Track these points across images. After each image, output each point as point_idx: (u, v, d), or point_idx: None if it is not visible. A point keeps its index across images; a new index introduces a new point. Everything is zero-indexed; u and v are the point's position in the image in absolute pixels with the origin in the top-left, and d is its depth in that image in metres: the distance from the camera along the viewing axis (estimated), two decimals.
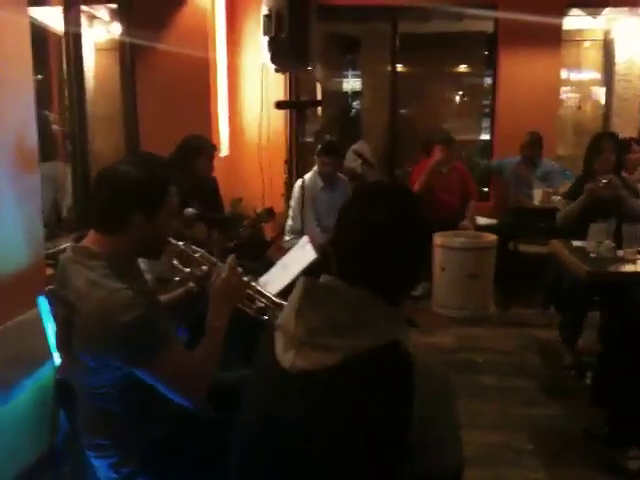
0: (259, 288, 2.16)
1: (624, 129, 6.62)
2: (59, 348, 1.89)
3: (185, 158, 3.87)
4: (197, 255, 2.20)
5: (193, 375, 1.79)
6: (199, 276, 2.18)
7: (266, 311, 2.10)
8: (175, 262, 2.22)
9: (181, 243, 2.17)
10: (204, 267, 2.18)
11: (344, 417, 1.20)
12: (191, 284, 2.21)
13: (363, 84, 8.38)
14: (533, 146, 5.86)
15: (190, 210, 3.60)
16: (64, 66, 4.23)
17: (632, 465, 2.87)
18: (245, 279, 2.06)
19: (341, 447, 1.20)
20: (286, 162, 5.72)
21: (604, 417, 3.10)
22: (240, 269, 2.04)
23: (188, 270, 2.20)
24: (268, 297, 2.11)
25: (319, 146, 4.87)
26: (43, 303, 2.43)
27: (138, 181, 1.79)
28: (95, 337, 1.68)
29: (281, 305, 2.00)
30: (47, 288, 2.47)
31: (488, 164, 6.19)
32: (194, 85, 5.17)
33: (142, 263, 2.21)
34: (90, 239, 1.83)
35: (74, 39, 4.20)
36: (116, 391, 1.78)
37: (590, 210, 3.95)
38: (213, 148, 4.13)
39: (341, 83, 8.70)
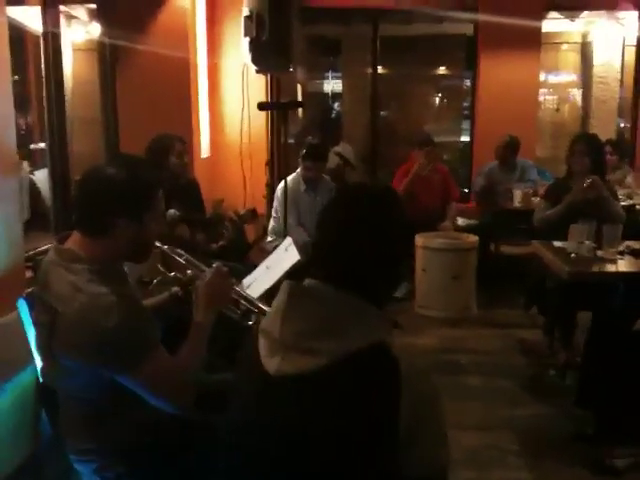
0: (244, 293, 2.14)
1: (601, 131, 6.68)
2: (39, 351, 1.85)
3: (157, 158, 3.80)
4: (182, 259, 2.17)
5: (178, 381, 1.75)
6: (184, 281, 2.15)
7: (250, 316, 2.08)
8: (159, 266, 2.18)
9: (166, 247, 2.14)
10: (189, 272, 2.15)
11: (332, 421, 1.18)
12: (175, 288, 2.18)
13: (344, 86, 8.38)
14: (510, 149, 5.89)
15: (172, 212, 3.57)
16: (42, 67, 4.17)
17: (619, 463, 2.88)
18: (231, 282, 2.04)
19: (330, 451, 1.19)
20: (267, 164, 5.70)
21: (589, 417, 3.11)
22: (226, 268, 2.02)
23: (173, 274, 2.17)
24: (253, 302, 2.09)
25: (303, 150, 4.85)
26: (23, 306, 2.38)
27: (124, 185, 1.74)
28: (76, 343, 1.65)
29: (265, 311, 1.98)
30: (27, 290, 2.43)
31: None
32: (174, 86, 5.13)
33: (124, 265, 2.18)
34: (74, 241, 1.78)
35: (53, 39, 4.14)
36: (99, 395, 1.75)
37: (571, 211, 3.98)
38: (182, 143, 3.98)
39: (322, 85, 8.71)
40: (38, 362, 2.13)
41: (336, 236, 1.30)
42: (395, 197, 1.44)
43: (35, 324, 1.89)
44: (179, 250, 2.19)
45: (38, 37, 4.18)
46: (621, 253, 3.65)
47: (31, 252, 3.55)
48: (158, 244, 2.06)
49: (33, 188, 5.46)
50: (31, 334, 2.27)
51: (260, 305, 2.07)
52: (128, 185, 1.74)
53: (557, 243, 3.84)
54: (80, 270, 1.70)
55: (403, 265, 1.38)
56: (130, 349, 1.66)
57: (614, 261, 3.59)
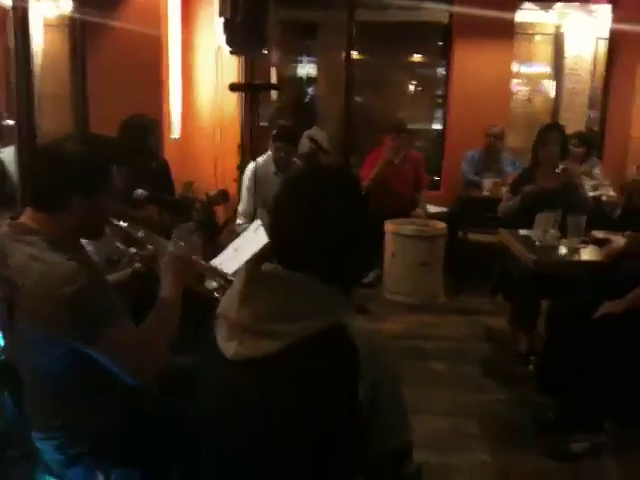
0: (207, 264, 2.13)
1: (572, 122, 6.77)
2: (2, 329, 1.83)
3: (134, 138, 3.75)
4: (140, 234, 2.15)
5: (142, 352, 1.74)
6: (144, 256, 2.14)
7: (217, 289, 2.08)
8: (118, 243, 2.17)
9: (123, 223, 2.12)
10: (149, 247, 2.14)
11: (292, 402, 1.20)
12: (137, 265, 2.17)
13: (319, 71, 8.34)
14: (501, 140, 5.99)
15: (140, 191, 3.54)
16: (11, 42, 4.08)
17: (576, 448, 2.96)
18: (194, 257, 2.04)
19: (291, 432, 1.20)
20: (239, 146, 5.67)
21: (550, 404, 3.18)
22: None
23: (133, 251, 2.16)
24: (218, 272, 2.09)
25: (274, 131, 4.84)
26: None
27: (78, 161, 1.75)
28: (39, 312, 1.64)
29: (231, 281, 1.97)
30: None
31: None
32: (146, 65, 5.07)
33: (89, 245, 2.16)
34: (27, 216, 1.78)
35: (22, 14, 4.05)
36: (63, 371, 1.75)
37: (536, 200, 4.03)
38: (159, 126, 4.01)
39: (297, 69, 8.66)
40: (1, 341, 2.10)
41: (295, 220, 1.29)
42: (357, 181, 1.44)
43: None
44: (136, 225, 2.16)
45: (7, 11, 4.09)
46: (585, 242, 3.72)
47: None
48: (115, 221, 2.05)
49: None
50: None
51: (226, 275, 2.07)
52: (81, 161, 1.75)
53: (523, 231, 3.90)
54: (35, 241, 1.71)
55: (366, 248, 1.38)
56: (91, 315, 1.65)
57: (578, 250, 3.66)
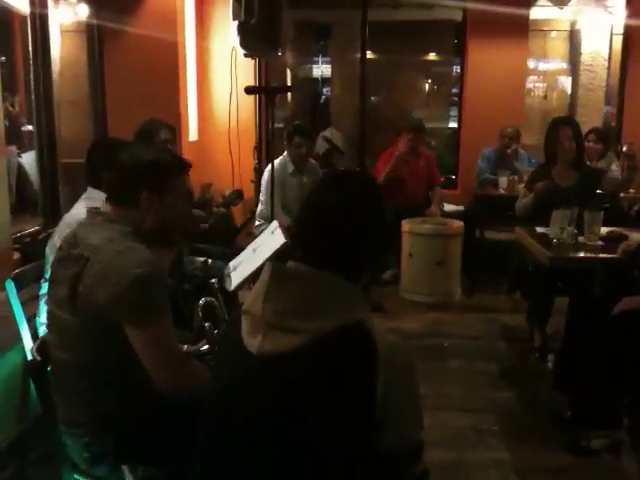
0: None
1: (589, 119, 6.75)
2: (61, 308, 1.86)
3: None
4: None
5: (177, 359, 1.83)
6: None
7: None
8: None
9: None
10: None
11: (312, 397, 1.22)
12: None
13: (333, 71, 8.37)
14: (516, 139, 5.97)
15: None
16: (30, 48, 4.15)
17: (595, 444, 2.95)
18: None
19: (310, 427, 1.22)
20: (256, 148, 5.70)
21: (567, 400, 3.18)
22: None
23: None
24: None
25: (289, 129, 4.87)
26: (11, 287, 2.40)
27: (149, 161, 1.94)
28: (103, 284, 1.72)
29: None
30: (15, 272, 2.45)
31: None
32: (162, 69, 5.12)
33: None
34: (107, 209, 1.92)
35: (40, 20, 4.14)
36: (98, 364, 1.80)
37: (551, 197, 4.01)
38: (169, 131, 3.85)
39: (311, 70, 8.70)
40: (27, 342, 2.16)
41: (318, 218, 1.35)
42: (377, 186, 1.49)
43: (50, 290, 1.93)
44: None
45: (25, 18, 4.16)
46: (602, 239, 3.70)
47: (18, 234, 3.58)
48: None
49: (20, 171, 5.44)
50: (19, 314, 2.30)
51: None
52: (152, 162, 1.94)
53: (539, 229, 3.89)
54: (115, 228, 1.85)
55: (384, 246, 1.43)
56: (150, 301, 1.75)
57: (595, 247, 3.64)
